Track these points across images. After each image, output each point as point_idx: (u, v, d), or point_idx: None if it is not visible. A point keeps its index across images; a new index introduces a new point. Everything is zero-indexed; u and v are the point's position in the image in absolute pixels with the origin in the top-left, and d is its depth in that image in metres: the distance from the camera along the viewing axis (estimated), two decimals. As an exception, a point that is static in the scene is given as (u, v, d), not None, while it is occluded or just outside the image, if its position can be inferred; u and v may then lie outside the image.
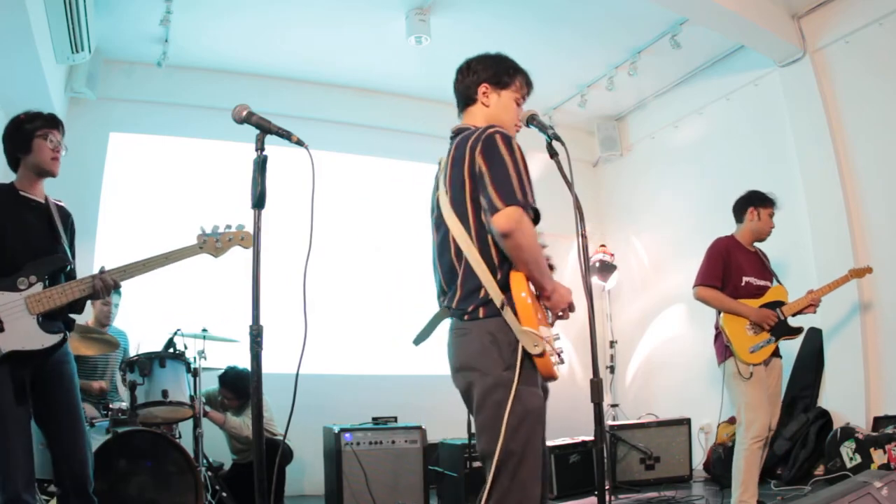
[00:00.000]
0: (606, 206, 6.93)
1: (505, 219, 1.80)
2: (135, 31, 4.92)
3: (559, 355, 1.89)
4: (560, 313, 1.98)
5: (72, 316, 2.52)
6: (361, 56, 5.50)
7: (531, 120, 2.11)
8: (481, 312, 1.89)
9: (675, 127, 6.19)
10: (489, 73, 2.09)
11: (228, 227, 2.50)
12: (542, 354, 1.80)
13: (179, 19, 4.70)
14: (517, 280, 1.85)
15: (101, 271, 2.41)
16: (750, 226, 3.64)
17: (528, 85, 2.15)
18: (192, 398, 3.63)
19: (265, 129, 1.81)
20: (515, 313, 1.81)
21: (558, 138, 2.04)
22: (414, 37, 4.81)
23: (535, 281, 1.89)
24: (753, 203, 3.63)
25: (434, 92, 6.19)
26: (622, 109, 6.66)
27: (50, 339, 2.32)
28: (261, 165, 1.76)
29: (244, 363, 4.22)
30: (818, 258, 4.66)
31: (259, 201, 1.75)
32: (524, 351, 1.80)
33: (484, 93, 2.09)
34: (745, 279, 3.52)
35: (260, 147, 1.78)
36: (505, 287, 1.86)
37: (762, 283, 3.56)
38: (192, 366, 3.74)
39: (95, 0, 4.23)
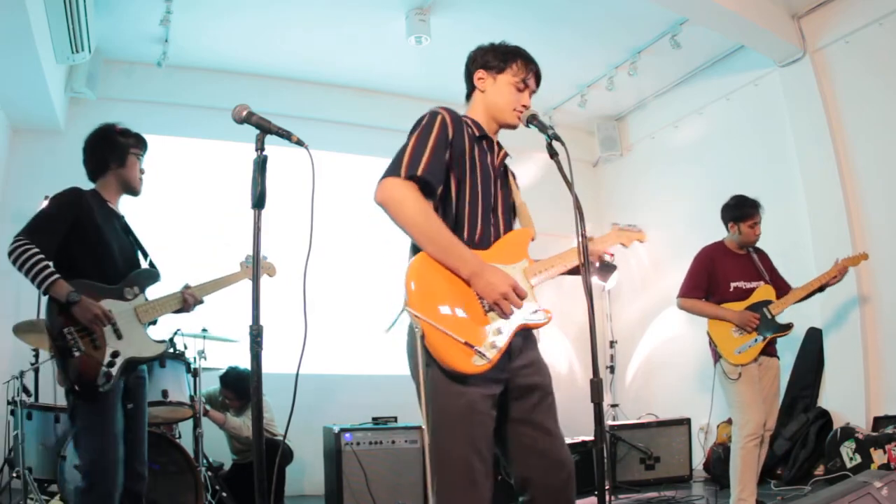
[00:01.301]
0: (606, 206, 6.92)
1: (378, 189, 1.73)
2: (135, 31, 4.92)
3: (481, 353, 1.65)
4: (494, 305, 1.72)
5: None
6: (361, 56, 5.50)
7: (531, 120, 2.09)
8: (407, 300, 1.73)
9: (675, 127, 6.19)
10: (485, 58, 2.03)
11: (264, 257, 2.84)
12: (423, 336, 1.62)
13: (179, 19, 4.70)
14: (414, 261, 1.72)
15: (186, 287, 2.61)
16: (732, 237, 3.69)
17: (529, 67, 2.01)
18: (192, 398, 3.63)
19: (265, 129, 1.81)
20: (405, 294, 1.68)
21: (558, 138, 2.03)
22: (414, 37, 4.81)
23: (443, 263, 1.71)
24: (732, 219, 3.66)
25: (434, 92, 6.19)
26: (622, 109, 6.66)
27: (159, 348, 2.48)
28: (261, 165, 1.76)
29: (244, 363, 4.22)
30: (818, 258, 4.64)
31: (259, 201, 1.75)
32: (422, 339, 1.63)
33: (480, 78, 2.03)
34: (732, 285, 3.57)
35: (260, 147, 1.77)
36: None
37: (753, 284, 3.58)
38: (192, 366, 3.74)
39: (95, 0, 4.23)
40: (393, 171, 1.74)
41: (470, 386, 1.67)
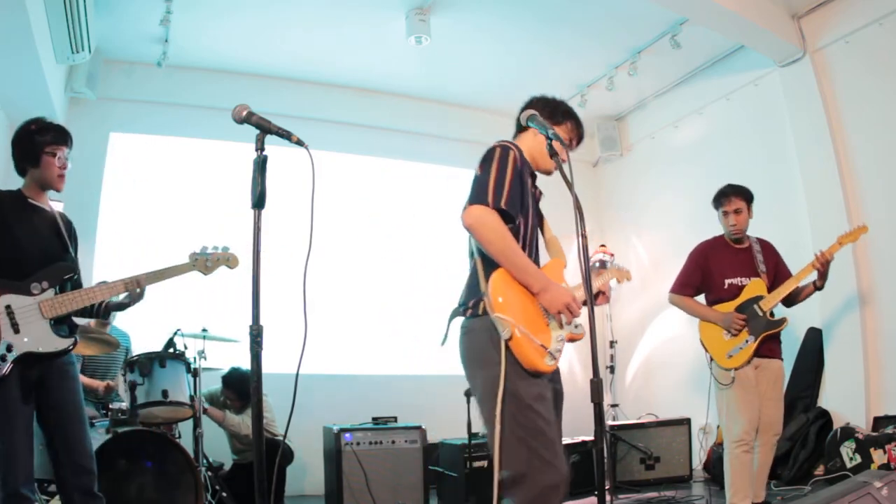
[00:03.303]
0: (606, 206, 6.93)
1: (466, 215, 1.98)
2: (135, 31, 4.92)
3: (552, 354, 1.95)
4: (561, 315, 1.98)
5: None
6: (361, 56, 5.50)
7: (531, 119, 2.12)
8: (481, 308, 1.99)
9: (675, 127, 6.19)
10: (546, 111, 2.23)
11: (216, 248, 2.72)
12: (510, 338, 1.87)
13: (179, 19, 4.70)
14: (495, 276, 1.97)
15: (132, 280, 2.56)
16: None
17: (578, 130, 2.29)
18: (192, 398, 3.63)
19: (265, 129, 1.81)
20: (491, 303, 1.93)
21: (558, 138, 2.05)
22: (414, 37, 4.81)
23: (518, 280, 1.98)
24: (714, 207, 3.56)
25: (434, 92, 6.20)
26: (622, 109, 6.66)
27: (62, 343, 2.42)
28: (261, 165, 1.76)
29: (245, 363, 4.21)
30: (818, 258, 4.65)
31: (259, 201, 1.75)
32: (506, 342, 1.89)
33: (534, 132, 2.20)
34: (727, 281, 3.44)
35: (260, 147, 1.78)
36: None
37: (747, 280, 3.42)
38: (192, 366, 3.74)
39: (95, 0, 4.23)
40: (479, 199, 1.98)
41: (541, 381, 1.95)
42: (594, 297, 2.08)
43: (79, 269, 2.61)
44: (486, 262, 2.01)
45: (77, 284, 2.59)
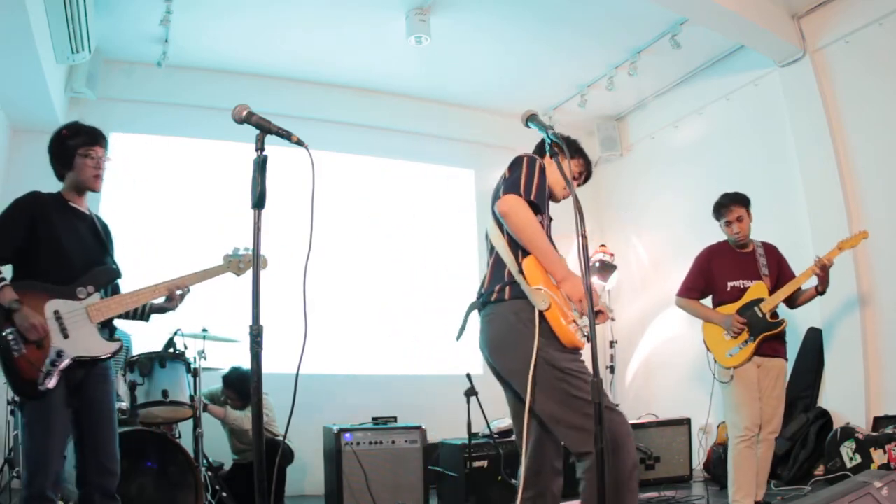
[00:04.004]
0: (606, 206, 6.92)
1: (501, 202, 2.16)
2: (135, 31, 4.92)
3: (582, 330, 2.10)
4: (577, 301, 2.12)
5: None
6: (361, 56, 5.50)
7: (531, 119, 2.13)
8: (507, 293, 2.15)
9: (675, 127, 6.19)
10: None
11: (247, 249, 2.76)
12: (548, 307, 2.04)
13: (179, 19, 4.70)
14: (528, 261, 2.15)
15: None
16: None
17: (588, 168, 2.57)
18: (192, 398, 3.63)
19: (265, 129, 1.81)
20: (525, 279, 2.10)
21: (557, 139, 2.05)
22: (414, 37, 4.80)
23: (545, 267, 2.13)
24: (714, 217, 3.66)
25: (434, 92, 6.20)
26: (622, 109, 6.66)
27: (110, 347, 2.45)
28: (261, 165, 1.76)
29: (245, 363, 4.22)
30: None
31: (259, 201, 1.75)
32: (541, 315, 2.05)
33: (553, 154, 2.35)
34: (729, 284, 3.55)
35: (260, 147, 1.78)
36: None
37: (749, 283, 3.53)
38: (192, 366, 3.74)
39: (95, 0, 4.23)
40: (513, 189, 2.18)
41: (577, 354, 2.13)
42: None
43: (121, 272, 2.65)
44: (515, 249, 2.18)
45: (117, 289, 2.61)
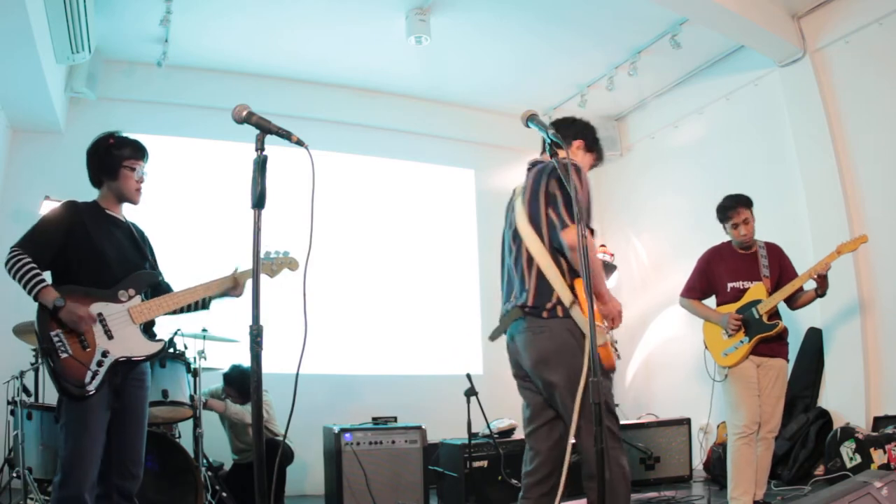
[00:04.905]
0: (606, 206, 6.92)
1: (573, 234, 2.18)
2: (135, 31, 4.92)
3: (615, 348, 2.26)
4: (611, 320, 2.29)
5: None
6: (361, 56, 5.50)
7: (531, 119, 2.12)
8: (559, 311, 2.25)
9: (675, 127, 6.19)
10: (586, 135, 2.67)
11: (278, 252, 2.83)
12: (604, 344, 2.14)
13: (179, 19, 4.70)
14: (579, 285, 2.23)
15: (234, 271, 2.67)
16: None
17: (601, 161, 2.75)
18: (192, 398, 3.63)
19: (265, 129, 1.81)
20: (582, 311, 2.18)
21: (557, 139, 2.05)
22: (414, 37, 4.80)
23: (595, 288, 2.16)
24: (719, 220, 3.68)
25: (434, 92, 6.20)
26: (622, 109, 6.66)
27: (154, 347, 2.49)
28: (261, 165, 1.76)
29: (246, 362, 4.22)
30: (818, 258, 4.60)
31: (259, 201, 1.75)
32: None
33: (578, 147, 2.62)
34: (729, 285, 3.60)
35: (260, 147, 1.78)
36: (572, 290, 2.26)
37: (750, 284, 3.57)
38: (192, 366, 3.74)
39: (95, 0, 4.23)
40: (577, 219, 2.14)
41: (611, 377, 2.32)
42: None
43: (162, 275, 2.69)
44: (561, 271, 2.28)
45: (158, 291, 2.64)
